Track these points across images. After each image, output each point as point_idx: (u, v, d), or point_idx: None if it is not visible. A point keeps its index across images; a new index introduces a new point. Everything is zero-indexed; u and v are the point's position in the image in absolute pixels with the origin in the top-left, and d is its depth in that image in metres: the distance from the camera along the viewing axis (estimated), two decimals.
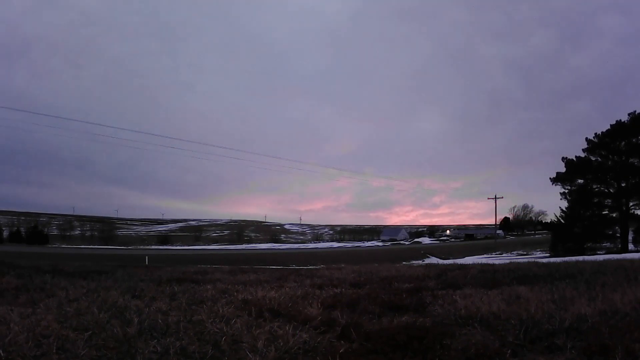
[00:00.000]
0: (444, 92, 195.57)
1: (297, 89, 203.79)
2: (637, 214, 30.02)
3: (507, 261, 15.58)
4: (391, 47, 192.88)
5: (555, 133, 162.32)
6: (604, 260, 11.23)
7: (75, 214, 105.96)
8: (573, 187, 31.88)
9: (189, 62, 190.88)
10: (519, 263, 12.28)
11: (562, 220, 32.02)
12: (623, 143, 29.83)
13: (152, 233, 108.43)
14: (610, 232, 30.38)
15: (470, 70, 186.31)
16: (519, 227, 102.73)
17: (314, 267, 15.44)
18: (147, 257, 25.42)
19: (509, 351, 2.98)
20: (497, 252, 44.96)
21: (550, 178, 32.87)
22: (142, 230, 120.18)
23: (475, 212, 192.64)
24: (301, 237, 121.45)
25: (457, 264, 12.78)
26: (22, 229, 71.80)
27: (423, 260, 32.61)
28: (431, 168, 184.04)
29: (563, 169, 32.20)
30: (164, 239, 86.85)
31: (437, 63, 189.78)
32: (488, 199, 59.18)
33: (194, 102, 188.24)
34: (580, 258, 15.26)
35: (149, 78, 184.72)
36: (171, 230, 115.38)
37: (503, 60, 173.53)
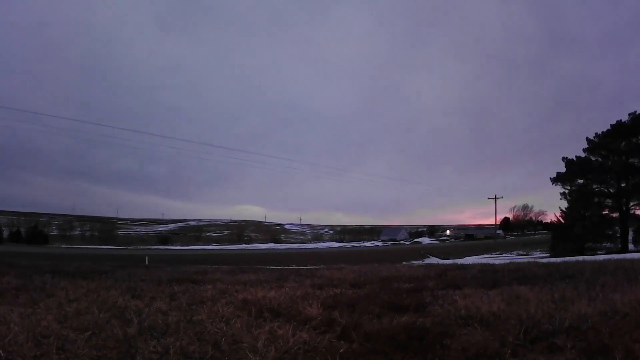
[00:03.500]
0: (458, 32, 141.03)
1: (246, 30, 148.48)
2: (637, 214, 30.01)
3: (507, 261, 15.59)
4: None
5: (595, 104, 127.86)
6: (604, 260, 11.23)
7: (75, 214, 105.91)
8: (573, 187, 31.86)
9: None
10: (519, 263, 12.28)
11: (562, 220, 32.02)
12: (623, 143, 29.82)
13: (152, 233, 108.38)
14: (610, 232, 30.35)
15: None
16: (519, 227, 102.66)
17: (314, 267, 15.44)
18: (147, 257, 25.40)
19: (509, 351, 2.97)
20: (497, 252, 44.93)
21: (550, 178, 32.87)
22: (142, 230, 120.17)
23: (475, 212, 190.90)
24: (301, 237, 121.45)
25: (457, 264, 12.80)
26: (22, 229, 71.85)
27: (423, 260, 32.60)
28: (430, 165, 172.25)
29: (563, 169, 32.23)
30: (164, 239, 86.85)
31: None
32: (488, 199, 59.07)
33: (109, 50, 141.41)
34: (580, 258, 15.28)
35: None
36: (171, 230, 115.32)
37: None
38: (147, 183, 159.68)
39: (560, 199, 32.27)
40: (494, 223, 66.71)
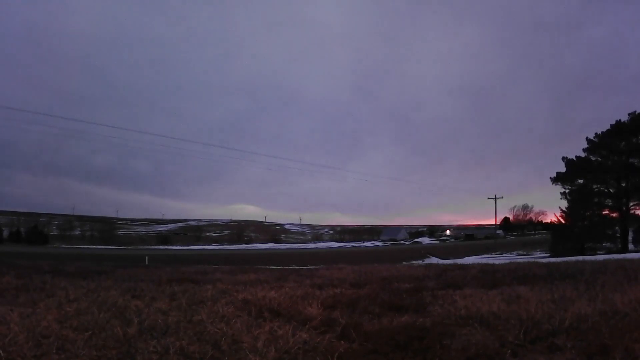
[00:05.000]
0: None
1: None
2: (637, 214, 30.03)
3: (507, 261, 15.58)
4: None
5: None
6: (604, 260, 11.24)
7: (75, 214, 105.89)
8: (573, 187, 31.90)
9: None
10: (519, 263, 12.29)
11: (562, 220, 32.07)
12: (623, 143, 29.83)
13: (152, 233, 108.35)
14: (610, 232, 30.37)
15: None
16: (519, 227, 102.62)
17: (314, 267, 15.44)
18: (147, 257, 25.41)
19: (509, 351, 2.97)
20: (497, 252, 44.97)
21: (550, 178, 32.93)
22: (142, 230, 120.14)
23: (475, 212, 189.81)
24: (301, 237, 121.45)
25: (457, 264, 12.80)
26: (22, 229, 71.87)
27: (423, 260, 32.61)
28: (430, 161, 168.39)
29: (563, 169, 32.25)
30: (164, 239, 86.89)
31: None
32: (488, 199, 59.12)
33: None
34: (580, 258, 15.29)
35: None
36: (171, 230, 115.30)
37: None
38: (130, 179, 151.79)
39: (561, 198, 32.39)
40: (494, 223, 66.80)
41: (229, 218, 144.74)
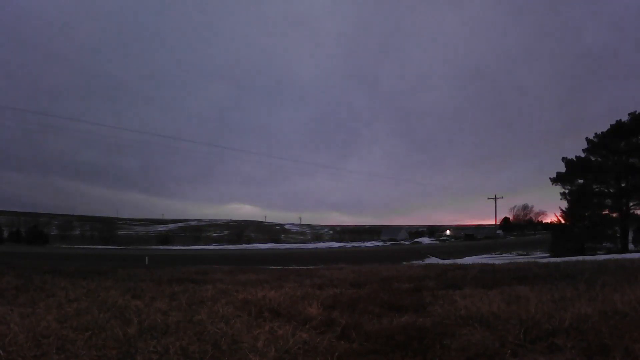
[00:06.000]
0: None
1: None
2: (637, 214, 30.01)
3: (507, 261, 15.59)
4: None
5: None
6: (604, 260, 11.24)
7: (75, 214, 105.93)
8: (573, 187, 31.89)
9: None
10: (519, 263, 12.29)
11: (562, 220, 32.08)
12: (623, 143, 29.82)
13: (152, 233, 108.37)
14: (610, 232, 30.37)
15: None
16: (519, 227, 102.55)
17: (314, 267, 15.43)
18: (147, 257, 25.39)
19: (509, 351, 2.97)
20: (497, 252, 44.96)
21: (550, 178, 32.90)
22: (142, 230, 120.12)
23: (475, 212, 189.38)
24: (301, 237, 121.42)
25: (457, 264, 12.81)
26: (22, 229, 71.87)
27: (423, 260, 32.58)
28: (430, 163, 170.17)
29: (563, 169, 32.24)
30: (164, 239, 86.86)
31: None
32: (488, 199, 59.09)
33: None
34: (580, 258, 15.28)
35: None
36: (171, 230, 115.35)
37: None
38: (148, 183, 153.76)
39: (561, 199, 32.36)
40: (494, 223, 66.75)
41: (228, 218, 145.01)
